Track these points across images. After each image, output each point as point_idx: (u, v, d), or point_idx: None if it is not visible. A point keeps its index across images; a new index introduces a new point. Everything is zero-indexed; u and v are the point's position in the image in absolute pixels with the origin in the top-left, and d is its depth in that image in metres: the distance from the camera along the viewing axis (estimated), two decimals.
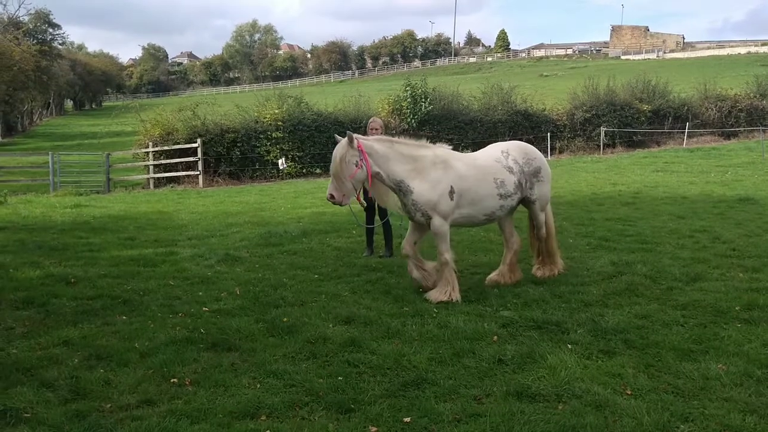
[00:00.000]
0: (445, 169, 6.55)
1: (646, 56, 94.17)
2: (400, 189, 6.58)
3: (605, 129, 27.67)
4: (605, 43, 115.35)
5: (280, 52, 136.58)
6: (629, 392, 4.28)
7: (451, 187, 6.52)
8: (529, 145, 7.41)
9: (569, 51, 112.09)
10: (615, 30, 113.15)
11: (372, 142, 6.55)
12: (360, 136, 6.62)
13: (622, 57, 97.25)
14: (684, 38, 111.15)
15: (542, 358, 4.82)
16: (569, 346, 5.11)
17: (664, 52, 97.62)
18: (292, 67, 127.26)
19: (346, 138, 6.40)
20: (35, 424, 3.90)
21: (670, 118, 29.57)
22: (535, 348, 5.05)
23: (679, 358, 4.82)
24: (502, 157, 6.91)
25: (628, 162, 22.96)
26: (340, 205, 6.55)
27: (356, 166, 6.36)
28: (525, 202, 7.17)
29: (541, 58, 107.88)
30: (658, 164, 21.49)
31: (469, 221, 6.92)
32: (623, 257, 8.14)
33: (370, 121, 8.90)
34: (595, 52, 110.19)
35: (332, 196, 6.42)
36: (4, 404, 4.09)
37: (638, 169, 20.54)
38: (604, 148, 27.49)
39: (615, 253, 8.49)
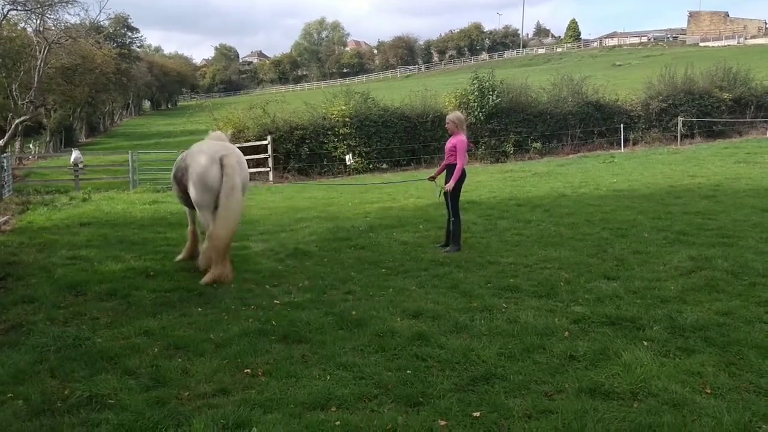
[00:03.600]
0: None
1: (726, 43, 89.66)
2: None
3: (683, 119, 26.57)
4: (682, 30, 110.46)
5: (347, 48, 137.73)
6: (709, 391, 4.13)
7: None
8: (206, 145, 7.99)
9: (644, 39, 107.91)
10: (692, 16, 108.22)
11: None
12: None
13: (701, 44, 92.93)
14: (767, 23, 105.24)
15: (616, 355, 4.71)
16: (645, 343, 4.97)
17: (745, 39, 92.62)
18: (359, 64, 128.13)
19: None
20: (119, 410, 4.09)
21: (752, 107, 28.14)
22: (608, 344, 4.93)
23: (762, 357, 4.62)
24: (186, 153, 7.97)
25: (707, 153, 21.97)
26: None
27: None
28: None
29: (613, 47, 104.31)
30: (740, 155, 20.45)
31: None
32: (703, 252, 7.82)
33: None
34: (671, 39, 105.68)
35: None
36: (91, 390, 4.32)
37: (718, 160, 19.62)
38: (681, 139, 26.39)
39: (694, 247, 8.17)
